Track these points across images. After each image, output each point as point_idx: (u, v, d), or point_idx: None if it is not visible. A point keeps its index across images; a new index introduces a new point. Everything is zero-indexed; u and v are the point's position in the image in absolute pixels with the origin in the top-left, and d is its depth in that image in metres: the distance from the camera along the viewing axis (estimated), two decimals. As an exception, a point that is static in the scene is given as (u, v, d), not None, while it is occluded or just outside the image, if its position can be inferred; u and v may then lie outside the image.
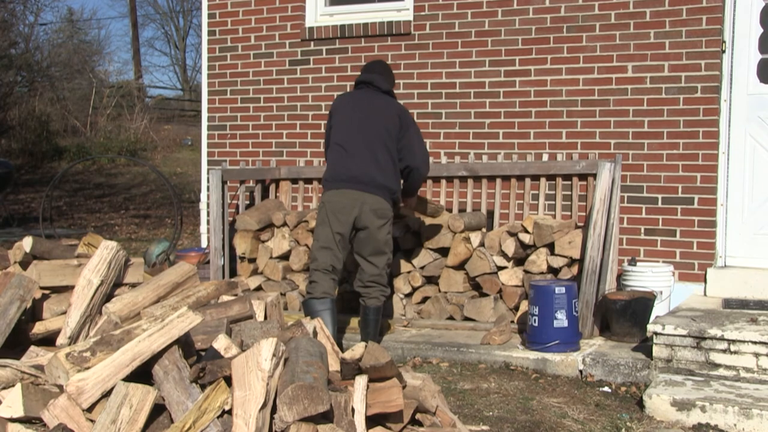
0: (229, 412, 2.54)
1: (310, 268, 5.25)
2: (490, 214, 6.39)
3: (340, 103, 5.41)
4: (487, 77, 6.47)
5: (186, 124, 25.14)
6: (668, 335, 4.73)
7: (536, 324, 5.14)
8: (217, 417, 2.52)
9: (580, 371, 4.95)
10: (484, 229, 6.10)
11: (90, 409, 2.60)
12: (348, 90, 6.88)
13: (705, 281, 5.82)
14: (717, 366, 4.62)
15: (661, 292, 5.59)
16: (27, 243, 3.69)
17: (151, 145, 21.70)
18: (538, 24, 6.28)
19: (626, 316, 5.27)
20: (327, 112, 6.91)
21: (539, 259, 5.76)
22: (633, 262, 5.80)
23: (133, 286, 3.48)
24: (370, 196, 5.12)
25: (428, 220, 6.09)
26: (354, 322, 5.71)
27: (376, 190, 5.12)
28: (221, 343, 2.87)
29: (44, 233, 10.15)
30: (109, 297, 3.33)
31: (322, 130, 6.78)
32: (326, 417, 2.62)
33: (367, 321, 5.24)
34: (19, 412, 2.61)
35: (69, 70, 24.19)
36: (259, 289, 6.46)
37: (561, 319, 5.10)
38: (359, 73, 5.24)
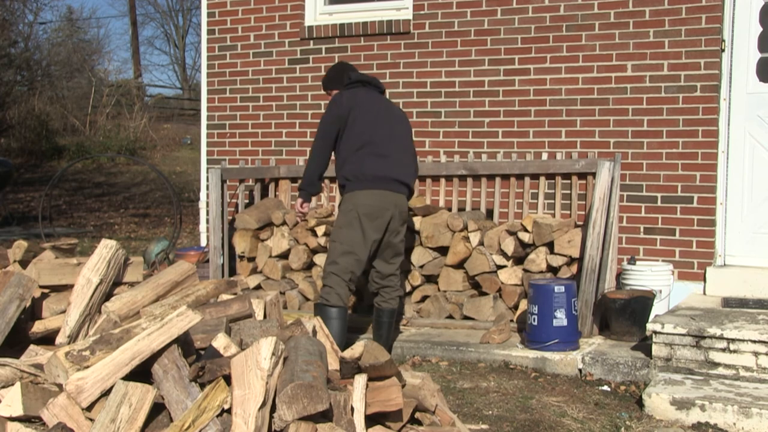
0: (229, 410, 2.54)
1: (325, 270, 4.89)
2: (490, 213, 6.39)
3: (357, 100, 4.96)
4: (486, 76, 6.47)
5: (185, 122, 25.15)
6: (667, 334, 4.73)
7: (535, 323, 5.15)
8: (217, 416, 2.52)
9: (580, 370, 4.95)
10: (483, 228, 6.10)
11: (89, 408, 2.60)
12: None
13: (704, 280, 5.82)
14: (716, 365, 4.62)
15: (661, 291, 5.59)
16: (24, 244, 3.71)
17: (150, 144, 21.71)
18: (538, 23, 6.28)
19: (625, 315, 5.27)
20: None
21: (538, 258, 5.76)
22: (632, 261, 5.80)
23: (132, 285, 3.48)
24: (402, 198, 4.96)
25: (428, 219, 6.09)
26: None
27: (407, 192, 5.01)
28: (220, 342, 2.86)
29: (44, 232, 10.16)
30: (108, 296, 3.32)
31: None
32: (325, 416, 2.62)
33: (380, 323, 5.09)
34: (18, 411, 2.61)
35: (68, 69, 24.21)
36: (258, 288, 6.46)
37: (560, 318, 5.10)
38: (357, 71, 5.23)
